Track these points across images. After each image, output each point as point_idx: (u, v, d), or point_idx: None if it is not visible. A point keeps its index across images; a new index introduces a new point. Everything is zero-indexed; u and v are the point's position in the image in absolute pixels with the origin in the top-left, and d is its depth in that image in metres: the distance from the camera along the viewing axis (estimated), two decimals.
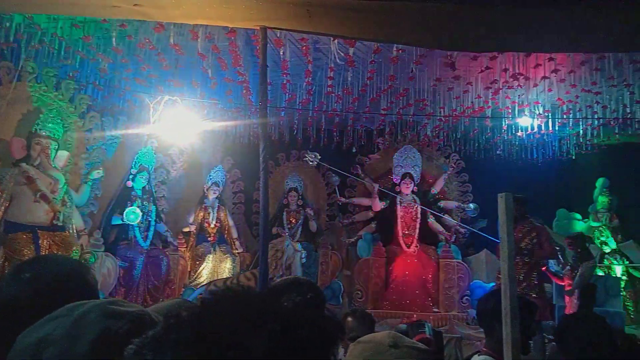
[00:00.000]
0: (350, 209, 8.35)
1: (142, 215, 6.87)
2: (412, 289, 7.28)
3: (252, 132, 7.29)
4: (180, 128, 6.97)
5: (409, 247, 7.67)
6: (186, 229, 7.54)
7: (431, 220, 7.89)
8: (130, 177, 7.03)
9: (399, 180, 7.95)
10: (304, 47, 5.12)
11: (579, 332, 1.61)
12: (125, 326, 0.73)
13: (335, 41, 4.78)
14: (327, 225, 8.32)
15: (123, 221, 6.76)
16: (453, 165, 8.28)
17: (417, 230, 7.73)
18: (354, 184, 8.37)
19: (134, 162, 7.09)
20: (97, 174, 6.49)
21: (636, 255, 7.60)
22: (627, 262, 7.42)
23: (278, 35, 4.81)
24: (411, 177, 7.90)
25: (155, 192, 7.41)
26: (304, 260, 7.34)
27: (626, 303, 7.03)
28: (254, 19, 3.28)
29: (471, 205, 7.89)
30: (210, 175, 7.77)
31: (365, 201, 8.19)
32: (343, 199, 8.16)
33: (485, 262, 7.51)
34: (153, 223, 7.09)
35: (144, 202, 7.01)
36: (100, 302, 0.80)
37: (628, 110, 6.48)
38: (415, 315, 6.66)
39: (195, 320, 0.54)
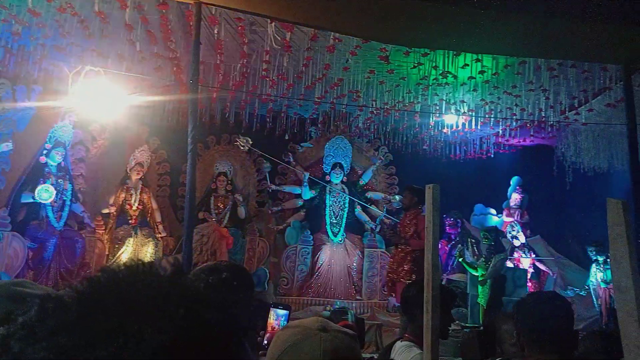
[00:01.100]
0: (280, 196, 8.32)
1: (57, 194, 6.42)
2: (337, 276, 7.42)
3: (182, 112, 7.01)
4: (103, 103, 6.56)
5: (336, 235, 7.80)
6: (105, 211, 7.14)
7: (358, 210, 8.07)
8: (45, 152, 6.52)
9: (329, 170, 8.03)
10: (240, 27, 4.98)
11: (538, 307, 1.72)
12: (31, 310, 0.64)
13: (273, 24, 4.69)
14: (255, 212, 8.23)
15: (34, 199, 6.28)
16: (381, 157, 8.50)
17: (345, 220, 7.87)
18: (284, 172, 8.34)
19: (49, 137, 6.58)
20: (5, 146, 5.98)
21: (541, 250, 8.24)
22: (534, 255, 8.02)
23: (213, 12, 4.63)
24: (341, 167, 8.01)
25: (71, 169, 6.94)
26: (230, 246, 7.22)
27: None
28: None
29: (396, 197, 8.14)
30: (133, 155, 7.40)
31: (295, 189, 8.20)
32: (273, 186, 8.11)
33: None
34: (68, 203, 6.65)
35: (59, 180, 6.55)
36: (3, 283, 0.71)
37: (543, 114, 6.96)
38: (338, 303, 6.80)
39: (80, 302, 0.45)
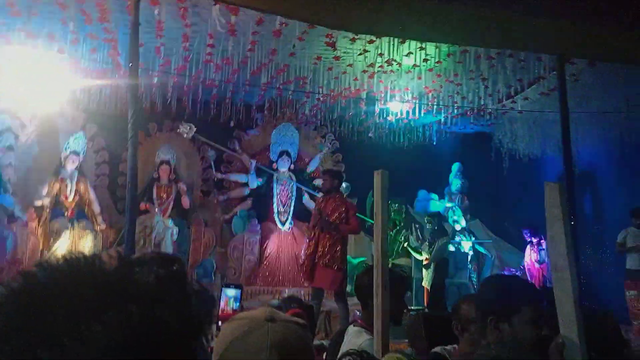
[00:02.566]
0: (226, 185, 8.17)
1: None
2: (286, 265, 7.41)
3: (120, 97, 6.68)
4: (33, 87, 6.14)
5: (283, 224, 7.77)
6: (38, 203, 6.72)
7: (306, 198, 8.06)
8: None
9: (276, 158, 7.97)
10: (182, 9, 4.79)
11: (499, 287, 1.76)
12: None
13: (217, 6, 4.55)
14: (201, 201, 8.04)
15: None
16: (328, 145, 8.53)
17: (292, 208, 7.85)
18: (230, 160, 8.19)
19: None
20: None
21: (481, 233, 8.61)
22: (474, 239, 8.37)
23: None
24: (288, 155, 7.96)
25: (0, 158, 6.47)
26: (175, 237, 7.03)
27: (471, 275, 7.94)
28: None
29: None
30: (68, 143, 6.99)
31: (241, 177, 8.07)
32: (219, 175, 7.95)
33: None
34: None
35: None
36: None
37: (482, 102, 7.22)
38: (287, 291, 6.80)
39: (14, 301, 0.40)
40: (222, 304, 1.94)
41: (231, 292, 1.89)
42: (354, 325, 2.33)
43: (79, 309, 0.40)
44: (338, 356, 1.10)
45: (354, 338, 2.15)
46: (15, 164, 6.78)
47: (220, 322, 1.98)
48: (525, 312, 1.61)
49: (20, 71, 5.78)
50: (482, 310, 1.70)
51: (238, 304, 2.06)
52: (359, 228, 5.72)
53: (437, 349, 1.93)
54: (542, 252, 7.41)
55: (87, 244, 6.67)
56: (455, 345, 1.95)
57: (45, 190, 6.74)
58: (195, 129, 7.24)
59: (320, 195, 6.22)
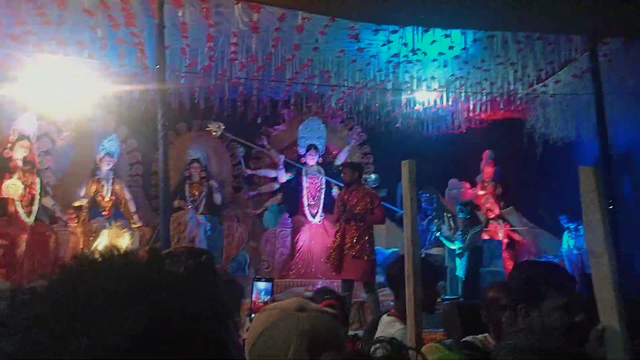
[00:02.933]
0: (256, 180, 8.26)
1: (24, 188, 6.22)
2: (317, 257, 7.44)
3: (150, 99, 6.83)
4: (66, 93, 6.34)
5: (314, 217, 7.81)
6: (77, 203, 6.96)
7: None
8: (9, 146, 6.29)
9: (304, 152, 8.00)
10: (205, 9, 4.85)
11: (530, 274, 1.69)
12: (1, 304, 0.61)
13: (239, 5, 4.58)
14: (232, 198, 8.16)
15: (1, 195, 6.07)
16: (356, 137, 8.50)
17: (322, 201, 7.88)
18: (259, 155, 8.27)
19: (12, 130, 6.34)
20: None
21: (515, 220, 8.43)
22: (508, 226, 8.21)
23: None
24: (316, 149, 7.98)
25: (39, 162, 6.72)
26: (208, 233, 7.16)
27: (506, 263, 7.80)
28: None
29: (372, 175, 8.16)
30: (102, 145, 7.19)
31: (270, 172, 8.14)
32: (248, 171, 8.04)
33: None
34: (38, 197, 6.46)
35: (26, 174, 6.34)
36: None
37: (512, 87, 7.04)
38: (320, 283, 6.83)
39: (53, 291, 0.43)
40: (253, 296, 2.01)
41: (262, 285, 1.97)
42: (387, 315, 2.34)
43: (112, 300, 0.42)
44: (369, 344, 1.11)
45: (387, 328, 2.15)
46: (53, 167, 7.04)
47: (252, 314, 2.04)
48: (554, 298, 1.56)
49: (54, 78, 5.97)
50: (512, 298, 1.67)
51: (269, 296, 2.12)
52: (384, 218, 5.73)
53: (469, 338, 1.91)
54: (581, 238, 7.21)
55: (124, 242, 6.86)
56: (486, 335, 1.93)
57: (83, 192, 6.97)
58: (223, 127, 7.33)
59: (340, 188, 6.27)
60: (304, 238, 7.59)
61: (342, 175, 5.76)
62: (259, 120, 7.66)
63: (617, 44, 5.63)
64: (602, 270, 1.46)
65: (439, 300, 2.43)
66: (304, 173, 7.95)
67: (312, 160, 7.95)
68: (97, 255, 0.46)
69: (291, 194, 8.04)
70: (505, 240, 7.97)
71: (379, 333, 2.16)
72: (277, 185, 8.13)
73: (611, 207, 4.22)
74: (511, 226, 8.21)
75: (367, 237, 5.35)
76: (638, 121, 7.42)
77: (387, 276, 2.47)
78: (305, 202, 7.88)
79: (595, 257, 1.49)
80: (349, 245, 5.31)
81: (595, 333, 1.44)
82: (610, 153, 4.87)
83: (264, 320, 1.06)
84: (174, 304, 0.43)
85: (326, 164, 8.17)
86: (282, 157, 7.96)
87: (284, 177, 7.98)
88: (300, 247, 7.54)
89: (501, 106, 8.03)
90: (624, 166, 7.95)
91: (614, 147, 6.37)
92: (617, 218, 4.51)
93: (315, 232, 7.67)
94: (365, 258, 5.28)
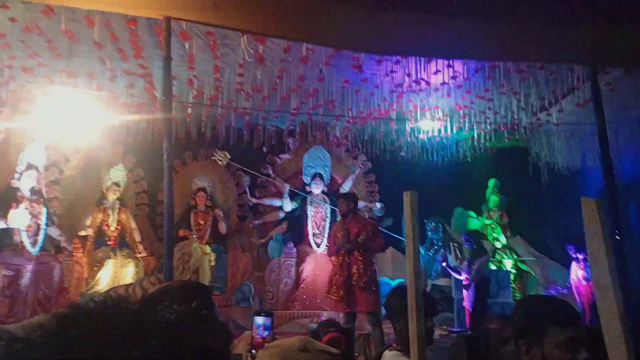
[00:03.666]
0: (261, 209, 8.26)
1: (31, 218, 6.25)
2: (322, 288, 7.34)
3: (156, 129, 6.91)
4: (75, 123, 6.44)
5: (318, 247, 7.76)
6: (83, 233, 6.97)
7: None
8: (17, 176, 6.35)
9: (309, 181, 8.01)
10: (212, 42, 4.95)
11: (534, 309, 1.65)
12: None
13: (245, 37, 4.69)
14: (237, 227, 8.14)
15: (7, 225, 6.09)
16: (360, 166, 8.52)
17: (327, 230, 7.84)
18: (264, 184, 8.29)
19: (20, 160, 6.42)
20: None
21: (522, 250, 8.33)
22: (516, 256, 8.11)
23: (184, 27, 4.60)
24: (321, 177, 8.00)
25: (45, 192, 6.76)
26: (213, 262, 7.12)
27: (515, 294, 7.67)
28: (156, 8, 3.09)
29: (377, 204, 8.15)
30: (109, 175, 7.26)
31: (276, 201, 8.14)
32: (254, 200, 8.05)
33: (391, 259, 7.80)
34: (44, 227, 6.47)
35: (33, 204, 6.37)
36: None
37: (515, 116, 7.08)
38: (324, 315, 6.73)
39: (49, 341, 0.44)
40: (252, 331, 2.00)
41: (260, 320, 1.96)
42: (389, 350, 2.29)
43: (106, 348, 0.42)
44: None
45: None
46: (60, 196, 7.09)
47: (252, 350, 2.03)
48: (555, 335, 1.52)
49: (63, 108, 6.07)
50: (515, 333, 1.63)
51: (268, 332, 2.10)
52: (384, 246, 5.68)
53: None
54: (589, 269, 7.10)
55: (129, 272, 6.84)
56: None
57: (89, 221, 6.99)
58: (229, 156, 7.39)
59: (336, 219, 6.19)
60: (308, 268, 7.52)
61: (338, 205, 5.71)
62: (265, 149, 7.72)
63: (619, 73, 5.67)
64: (608, 303, 1.43)
65: (439, 331, 2.39)
66: (309, 202, 7.94)
67: (317, 189, 7.95)
68: (90, 304, 0.47)
69: (296, 223, 8.01)
70: (513, 271, 7.86)
71: None
72: (282, 214, 8.12)
73: (617, 237, 4.16)
74: (518, 256, 8.11)
75: (373, 267, 5.29)
76: None
77: (386, 308, 2.43)
78: (310, 231, 7.85)
79: (601, 290, 1.46)
80: (356, 276, 5.22)
81: None
82: (615, 181, 4.83)
83: (267, 357, 1.06)
84: (164, 352, 0.44)
85: (331, 193, 8.17)
86: (287, 186, 7.97)
87: (289, 206, 7.98)
88: (305, 278, 7.47)
89: (506, 135, 8.05)
90: (631, 194, 7.89)
91: (619, 176, 6.34)
92: (623, 248, 4.44)
93: (320, 262, 7.61)
94: (374, 288, 5.22)
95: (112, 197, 7.15)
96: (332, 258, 5.61)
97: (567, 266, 7.52)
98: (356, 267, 5.21)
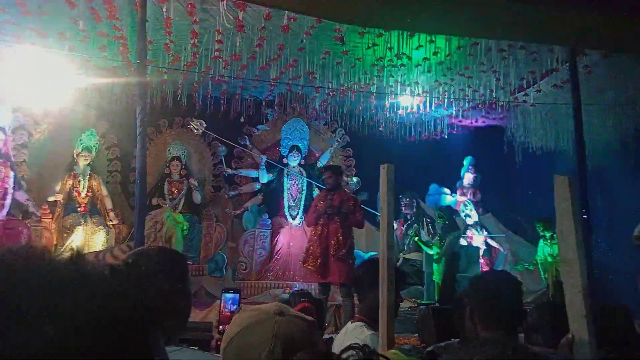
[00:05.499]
0: (237, 180, 8.20)
1: None
2: (296, 259, 7.41)
3: (131, 94, 6.72)
4: (45, 85, 6.20)
5: (294, 219, 7.78)
6: (52, 198, 6.81)
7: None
8: None
9: (287, 153, 7.97)
10: (190, 6, 4.79)
11: (491, 287, 1.86)
12: None
13: (224, 2, 4.54)
14: (212, 197, 8.08)
15: None
16: (339, 139, 8.50)
17: (303, 203, 7.86)
18: (241, 155, 8.21)
19: None
20: None
21: (493, 227, 8.53)
22: (486, 232, 8.30)
23: None
24: (299, 150, 7.96)
25: (13, 156, 6.55)
26: (185, 232, 7.07)
27: (483, 269, 7.88)
28: None
29: (354, 178, 8.18)
30: (80, 140, 7.06)
31: (252, 173, 8.09)
32: (229, 170, 7.98)
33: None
34: (11, 191, 6.30)
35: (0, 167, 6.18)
36: None
37: (494, 95, 7.13)
38: (297, 285, 6.81)
39: None
40: (221, 306, 2.14)
41: (230, 295, 2.11)
42: (352, 322, 2.31)
43: (30, 302, 0.40)
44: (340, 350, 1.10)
45: (357, 334, 2.12)
46: (28, 161, 6.88)
47: (220, 325, 2.16)
48: (470, 308, 1.79)
49: (33, 69, 5.84)
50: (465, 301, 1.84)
51: (236, 306, 2.22)
52: (363, 222, 5.72)
53: (441, 344, 1.93)
54: (556, 246, 7.32)
55: (99, 240, 6.75)
56: (455, 340, 1.93)
57: (58, 187, 6.83)
58: (205, 125, 7.26)
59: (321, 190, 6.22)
60: (283, 240, 7.55)
61: (325, 178, 5.67)
62: (242, 120, 7.60)
63: (597, 56, 5.74)
64: (573, 278, 1.48)
65: (408, 303, 2.45)
66: (285, 174, 7.92)
67: (294, 161, 7.92)
68: (6, 253, 0.44)
69: (272, 195, 8.00)
70: (483, 247, 8.05)
71: (348, 340, 2.13)
72: (258, 186, 8.08)
73: (585, 216, 4.28)
74: (488, 233, 8.30)
75: (351, 240, 5.35)
76: (615, 132, 7.59)
77: (355, 280, 2.46)
78: (285, 203, 7.86)
79: (567, 266, 1.50)
80: (334, 247, 5.25)
81: (566, 341, 1.45)
82: (586, 163, 4.94)
83: (243, 320, 1.09)
84: (94, 309, 0.41)
85: (308, 166, 8.15)
86: (264, 158, 7.92)
87: (265, 177, 7.94)
88: (279, 249, 7.50)
89: (483, 113, 8.12)
90: (601, 176, 8.11)
91: (592, 157, 6.49)
92: (590, 227, 4.58)
93: (294, 234, 7.65)
94: (350, 260, 5.27)
95: (83, 163, 6.98)
96: (311, 228, 5.63)
97: (535, 244, 7.74)
98: (335, 239, 5.25)
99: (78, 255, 0.46)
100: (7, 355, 0.37)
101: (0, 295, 0.40)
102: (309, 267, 5.38)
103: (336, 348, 2.19)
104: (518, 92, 7.12)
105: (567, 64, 5.29)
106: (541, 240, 7.54)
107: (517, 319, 1.80)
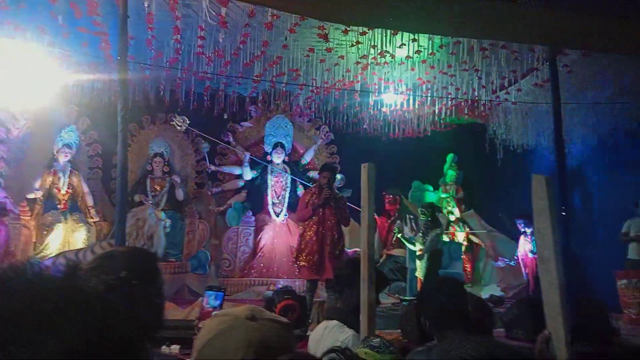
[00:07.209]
0: (220, 177, 8.15)
1: None
2: (280, 256, 7.42)
3: (113, 90, 6.62)
4: (24, 81, 6.08)
5: (278, 216, 7.78)
6: (31, 195, 6.70)
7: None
8: None
9: (271, 150, 7.95)
10: (172, 1, 4.74)
11: (439, 293, 1.92)
12: None
13: None
14: (195, 194, 8.02)
15: None
16: (323, 137, 8.51)
17: (287, 200, 7.85)
18: (224, 152, 8.17)
19: None
20: None
21: (475, 224, 8.63)
22: (468, 229, 8.39)
23: None
24: (282, 147, 7.95)
25: None
26: (167, 229, 7.02)
27: (465, 265, 7.98)
28: None
29: (338, 176, 8.20)
30: (60, 136, 6.95)
31: (235, 170, 8.06)
32: (213, 167, 7.93)
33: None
34: None
35: None
36: None
37: (476, 93, 7.20)
38: (281, 282, 6.81)
39: None
40: (203, 302, 2.07)
41: (212, 292, 2.05)
42: (328, 320, 2.30)
43: (28, 320, 0.40)
44: (322, 353, 1.10)
45: (337, 334, 2.12)
46: (7, 157, 6.75)
47: (199, 323, 2.08)
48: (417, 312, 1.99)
49: (11, 64, 5.72)
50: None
51: (219, 301, 2.16)
52: (349, 219, 5.77)
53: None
54: (535, 243, 7.44)
55: (80, 237, 6.67)
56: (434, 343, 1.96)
57: (38, 184, 6.72)
58: (188, 122, 7.21)
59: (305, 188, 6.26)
60: (266, 237, 7.54)
61: (321, 177, 5.63)
62: (226, 116, 7.56)
63: (577, 56, 5.83)
64: (550, 275, 1.51)
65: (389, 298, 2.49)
66: (269, 171, 7.90)
67: (278, 158, 7.91)
68: (10, 273, 0.44)
69: (256, 192, 7.98)
70: (465, 243, 8.14)
71: (327, 339, 2.13)
72: (241, 183, 8.05)
73: (564, 214, 4.36)
74: (471, 229, 8.40)
75: (344, 238, 5.45)
76: (594, 132, 7.73)
77: (336, 276, 2.47)
78: (269, 200, 7.84)
79: (544, 263, 1.53)
80: (330, 245, 5.29)
81: (542, 337, 1.48)
82: (565, 161, 5.03)
83: (214, 327, 1.04)
84: (90, 325, 0.42)
85: (292, 163, 8.14)
86: (247, 154, 7.89)
87: (248, 174, 7.92)
88: (263, 246, 7.50)
89: (465, 111, 8.19)
90: (580, 175, 8.26)
91: (571, 155, 6.61)
92: (569, 226, 4.66)
93: (278, 231, 7.64)
94: (343, 257, 5.34)
95: (63, 159, 6.88)
96: (301, 225, 5.67)
97: (516, 240, 7.86)
98: (330, 236, 5.29)
99: (73, 273, 0.46)
100: None
101: (1, 311, 0.40)
102: (303, 263, 5.39)
103: (312, 345, 2.19)
104: (500, 91, 7.20)
105: (548, 63, 5.37)
106: (522, 236, 7.66)
107: (462, 319, 1.88)
